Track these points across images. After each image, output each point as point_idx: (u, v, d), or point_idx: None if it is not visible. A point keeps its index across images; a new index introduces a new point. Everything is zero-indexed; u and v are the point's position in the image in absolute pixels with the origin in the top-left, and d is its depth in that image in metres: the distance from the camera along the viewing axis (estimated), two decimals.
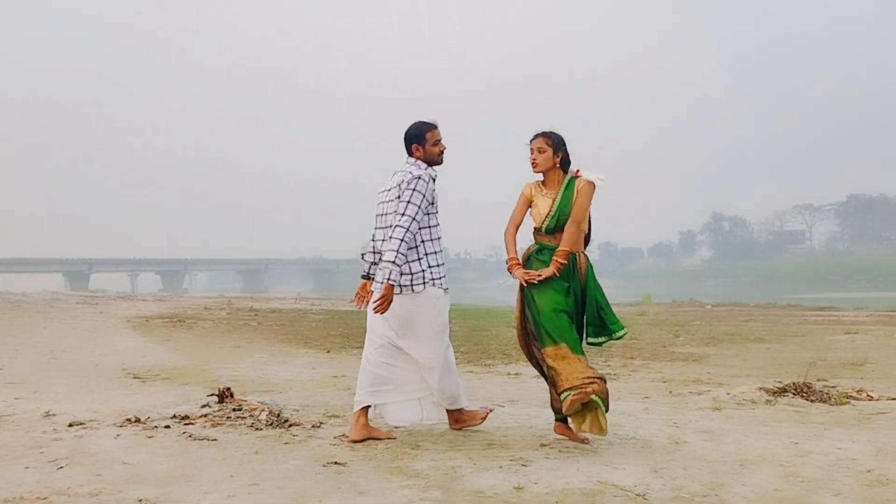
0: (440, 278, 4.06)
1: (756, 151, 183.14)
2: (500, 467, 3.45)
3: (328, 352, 9.58)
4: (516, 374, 7.31)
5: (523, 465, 3.46)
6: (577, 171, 4.07)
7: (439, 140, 4.14)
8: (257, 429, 4.28)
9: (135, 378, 6.73)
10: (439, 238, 4.13)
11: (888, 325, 13.30)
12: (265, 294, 47.30)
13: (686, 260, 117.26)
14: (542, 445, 3.90)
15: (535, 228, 4.11)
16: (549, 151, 3.99)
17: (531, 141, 4.06)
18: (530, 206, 4.11)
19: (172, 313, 17.06)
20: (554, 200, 4.00)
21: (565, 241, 3.92)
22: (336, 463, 3.53)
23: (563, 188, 4.00)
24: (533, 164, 4.04)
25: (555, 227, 3.98)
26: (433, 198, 4.08)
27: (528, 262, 4.08)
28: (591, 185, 3.99)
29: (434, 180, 4.10)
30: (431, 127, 4.14)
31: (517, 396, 5.72)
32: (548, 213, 4.01)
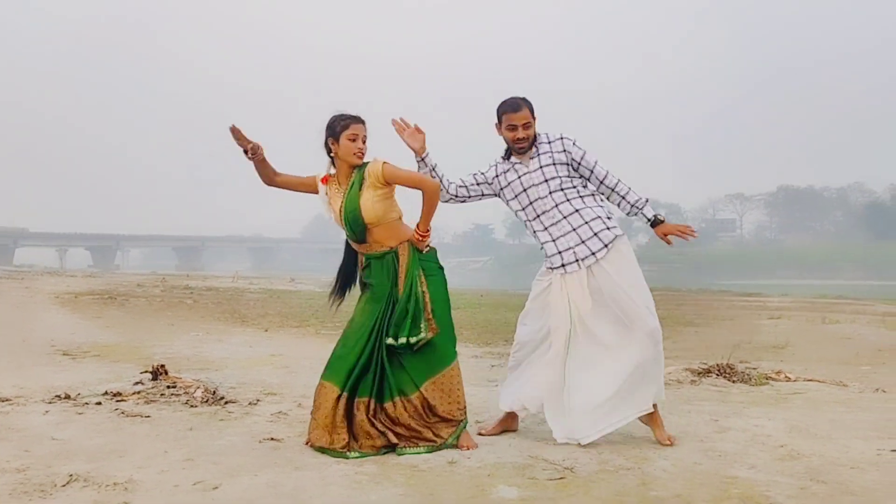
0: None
1: (692, 142, 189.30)
2: None
3: (266, 330, 9.51)
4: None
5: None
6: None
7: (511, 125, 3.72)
8: (192, 406, 4.25)
9: (64, 355, 6.56)
10: (529, 221, 3.85)
11: (810, 310, 13.91)
12: (201, 272, 46.31)
13: None
14: (477, 422, 3.99)
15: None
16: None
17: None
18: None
19: (104, 290, 16.59)
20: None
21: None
22: (272, 439, 3.54)
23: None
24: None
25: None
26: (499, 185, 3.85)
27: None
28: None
29: (497, 165, 3.86)
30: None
31: None
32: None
